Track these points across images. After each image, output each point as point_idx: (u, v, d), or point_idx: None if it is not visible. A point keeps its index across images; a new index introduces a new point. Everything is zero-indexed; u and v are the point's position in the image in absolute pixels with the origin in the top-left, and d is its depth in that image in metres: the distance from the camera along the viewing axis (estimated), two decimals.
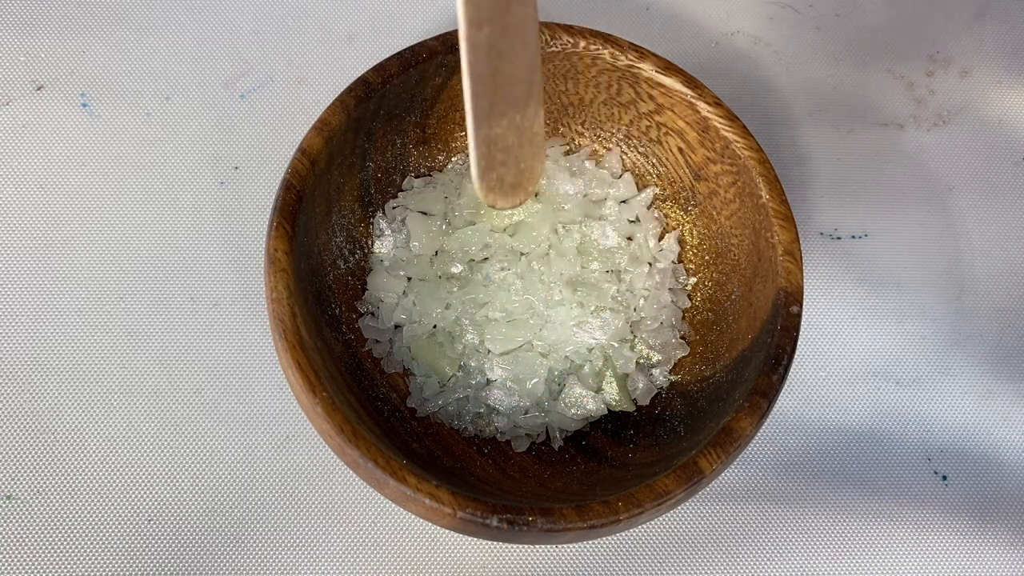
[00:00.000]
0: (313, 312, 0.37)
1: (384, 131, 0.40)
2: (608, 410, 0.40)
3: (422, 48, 0.38)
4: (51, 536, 0.39)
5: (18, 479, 0.39)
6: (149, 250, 0.43)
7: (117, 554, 0.39)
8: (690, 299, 0.42)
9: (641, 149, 0.42)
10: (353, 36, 0.48)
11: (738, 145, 0.38)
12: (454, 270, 0.40)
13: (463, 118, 0.42)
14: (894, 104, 0.48)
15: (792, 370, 0.38)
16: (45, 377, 0.41)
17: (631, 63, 0.39)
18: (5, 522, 0.39)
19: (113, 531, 0.39)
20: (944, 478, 0.42)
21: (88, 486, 0.40)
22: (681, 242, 0.42)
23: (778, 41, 0.49)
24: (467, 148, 0.43)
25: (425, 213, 0.41)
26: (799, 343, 0.36)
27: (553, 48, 0.39)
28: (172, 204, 0.44)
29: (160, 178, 0.44)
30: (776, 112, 0.48)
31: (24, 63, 0.46)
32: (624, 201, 0.42)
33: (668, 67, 0.39)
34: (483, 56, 0.27)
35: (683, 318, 0.41)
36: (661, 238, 0.42)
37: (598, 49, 0.39)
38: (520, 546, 0.40)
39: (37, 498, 0.39)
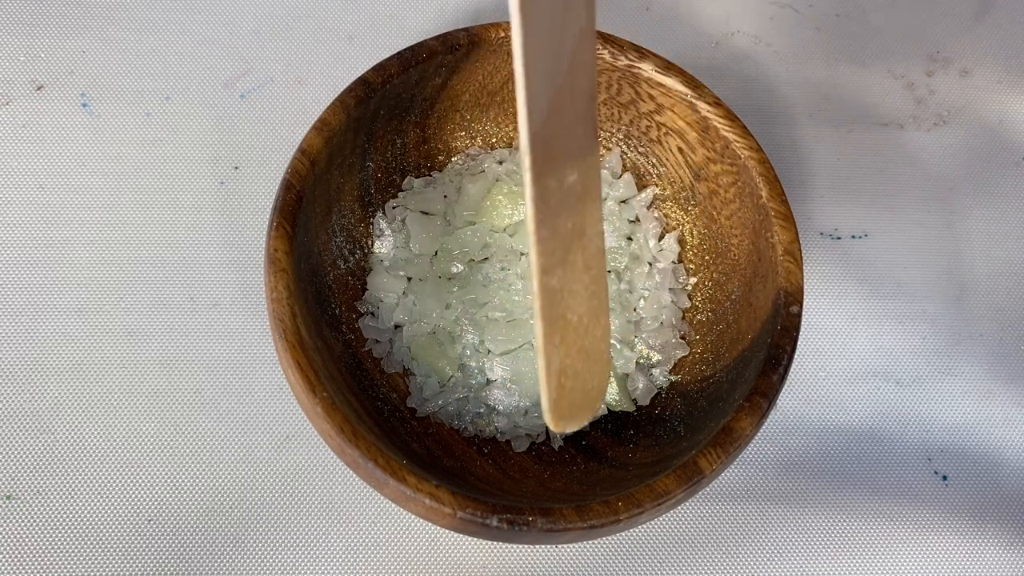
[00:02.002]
0: (313, 312, 0.37)
1: (384, 131, 0.40)
2: (608, 410, 0.40)
3: (422, 48, 0.38)
4: (51, 536, 0.39)
5: (18, 479, 0.39)
6: (149, 250, 0.43)
7: (117, 554, 0.39)
8: (690, 299, 0.42)
9: (641, 149, 0.42)
10: (353, 36, 0.48)
11: (738, 145, 0.38)
12: (454, 270, 0.40)
13: (463, 118, 0.42)
14: (894, 104, 0.48)
15: (792, 370, 0.38)
16: (45, 377, 0.41)
17: (631, 63, 0.39)
18: (5, 522, 0.39)
19: (113, 531, 0.39)
20: (944, 478, 0.42)
21: (88, 486, 0.40)
22: (681, 242, 0.42)
23: (778, 41, 0.49)
24: (467, 147, 0.43)
25: (425, 213, 0.41)
26: (799, 343, 0.36)
27: None
28: (172, 204, 0.44)
29: (160, 178, 0.44)
30: (776, 112, 0.48)
31: (24, 63, 0.46)
32: (624, 201, 0.42)
33: (668, 67, 0.39)
34: (556, 298, 0.28)
35: (683, 318, 0.41)
36: (661, 238, 0.42)
37: (598, 49, 0.39)
38: (520, 546, 0.40)
39: (37, 498, 0.39)
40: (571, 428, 0.30)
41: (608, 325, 0.30)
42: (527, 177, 0.26)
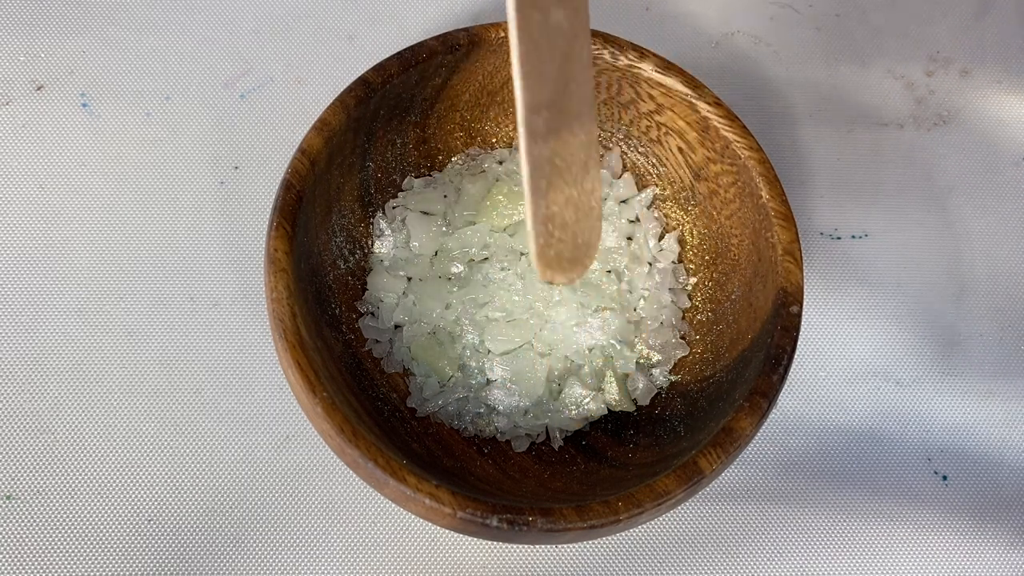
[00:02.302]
0: (313, 312, 0.37)
1: (384, 131, 0.40)
2: (608, 410, 0.40)
3: (422, 48, 0.38)
4: (51, 536, 0.39)
5: (18, 479, 0.39)
6: (149, 250, 0.43)
7: (117, 554, 0.39)
8: (690, 299, 0.42)
9: (641, 149, 0.42)
10: (353, 35, 0.48)
11: (738, 145, 0.38)
12: (454, 270, 0.40)
13: (463, 118, 0.42)
14: (894, 104, 0.48)
15: (792, 370, 0.38)
16: (45, 377, 0.41)
17: (631, 63, 0.39)
18: (5, 522, 0.39)
19: (113, 531, 0.39)
20: (944, 478, 0.42)
21: (88, 486, 0.40)
22: (681, 242, 0.42)
23: (778, 41, 0.49)
24: (467, 147, 0.43)
25: (425, 213, 0.41)
26: (799, 343, 0.36)
27: None
28: (172, 204, 0.44)
29: (160, 178, 0.44)
30: (776, 112, 0.48)
31: (24, 63, 0.46)
32: (624, 201, 0.42)
33: (668, 67, 0.39)
34: (542, 139, 0.28)
35: (683, 318, 0.41)
36: (661, 238, 0.42)
37: (598, 49, 0.39)
38: (520, 546, 0.40)
39: (37, 498, 0.39)
40: (560, 280, 0.30)
41: (598, 179, 0.29)
42: (509, 6, 0.26)
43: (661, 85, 0.39)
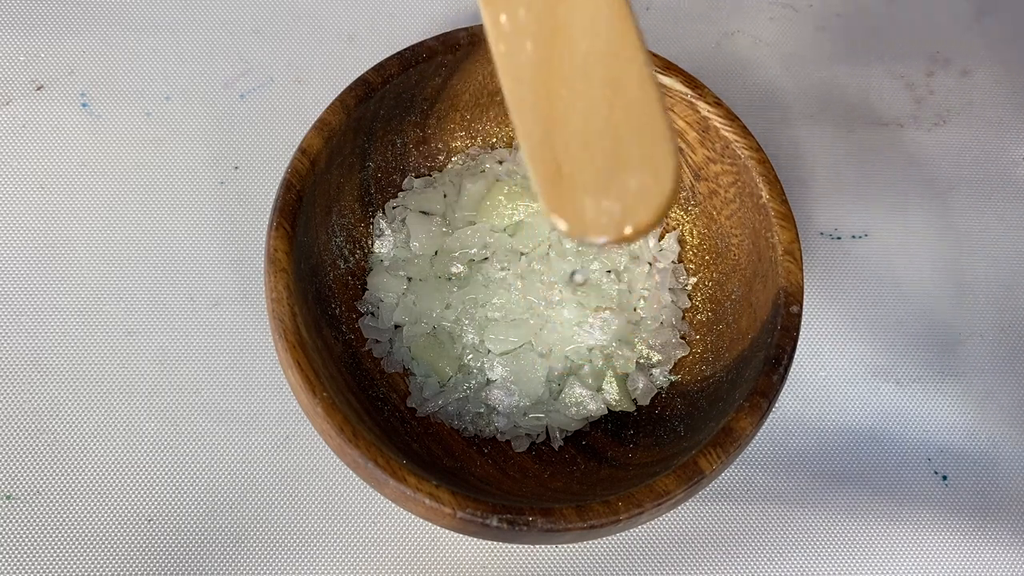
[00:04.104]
0: (313, 312, 0.37)
1: (384, 131, 0.40)
2: (608, 410, 0.40)
3: (422, 48, 0.38)
4: (51, 536, 0.39)
5: (18, 479, 0.39)
6: (149, 250, 0.43)
7: (117, 554, 0.39)
8: (690, 299, 0.42)
9: None
10: (353, 36, 0.48)
11: (738, 145, 0.38)
12: (454, 270, 0.40)
13: (463, 118, 0.42)
14: (894, 104, 0.48)
15: (792, 370, 0.38)
16: (45, 377, 0.41)
17: None
18: (5, 522, 0.39)
19: (113, 531, 0.39)
20: (944, 478, 0.42)
21: (88, 486, 0.40)
22: (681, 242, 0.42)
23: (778, 41, 0.49)
24: (467, 147, 0.43)
25: (425, 213, 0.41)
26: (799, 343, 0.36)
27: None
28: (172, 204, 0.44)
29: (160, 178, 0.44)
30: (776, 112, 0.48)
31: (24, 63, 0.46)
32: None
33: (668, 67, 0.39)
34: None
35: (683, 318, 0.41)
36: (661, 238, 0.42)
37: None
38: (520, 546, 0.40)
39: (37, 498, 0.39)
40: (595, 236, 0.18)
41: (649, 70, 0.16)
42: None
43: (661, 85, 0.39)
